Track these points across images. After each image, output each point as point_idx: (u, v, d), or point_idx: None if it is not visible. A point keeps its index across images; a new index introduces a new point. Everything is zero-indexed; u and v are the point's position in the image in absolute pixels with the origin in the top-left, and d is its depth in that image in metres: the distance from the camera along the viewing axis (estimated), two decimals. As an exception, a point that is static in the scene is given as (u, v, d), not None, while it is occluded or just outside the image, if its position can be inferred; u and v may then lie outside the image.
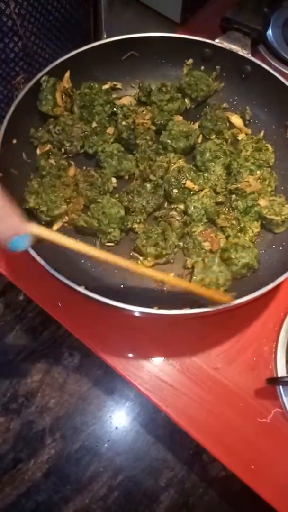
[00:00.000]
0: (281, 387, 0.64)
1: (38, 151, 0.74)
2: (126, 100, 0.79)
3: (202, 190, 0.71)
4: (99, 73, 0.79)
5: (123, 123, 0.74)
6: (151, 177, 0.71)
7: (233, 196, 0.71)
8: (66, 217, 0.69)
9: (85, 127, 0.74)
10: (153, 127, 0.76)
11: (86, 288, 0.55)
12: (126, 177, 0.73)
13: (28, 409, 0.74)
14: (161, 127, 0.77)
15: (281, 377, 0.65)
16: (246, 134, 0.79)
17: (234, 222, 0.68)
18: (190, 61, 0.81)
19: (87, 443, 0.73)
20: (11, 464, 0.71)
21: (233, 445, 0.62)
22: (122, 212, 0.68)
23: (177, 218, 0.69)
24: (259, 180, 0.72)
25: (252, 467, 0.61)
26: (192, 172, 0.72)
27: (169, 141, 0.74)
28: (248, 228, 0.68)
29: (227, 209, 0.70)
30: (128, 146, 0.74)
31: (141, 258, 0.67)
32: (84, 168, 0.73)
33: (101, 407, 0.75)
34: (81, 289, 0.55)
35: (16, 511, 0.69)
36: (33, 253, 0.57)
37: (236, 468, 0.61)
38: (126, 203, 0.69)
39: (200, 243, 0.65)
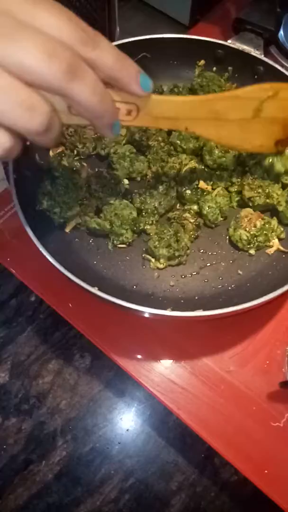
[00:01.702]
0: (294, 390, 0.64)
1: (51, 153, 0.74)
2: None
3: (215, 189, 0.70)
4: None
5: None
6: (164, 178, 0.71)
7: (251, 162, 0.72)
8: (79, 219, 0.69)
9: None
10: (184, 146, 0.75)
11: (100, 289, 0.55)
12: (138, 178, 0.73)
13: (40, 410, 0.74)
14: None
15: (294, 381, 0.64)
16: None
17: (260, 190, 0.68)
18: (202, 62, 0.80)
19: (98, 445, 0.73)
20: (23, 465, 0.71)
21: (246, 449, 0.61)
22: (135, 214, 0.68)
23: (191, 221, 0.69)
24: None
25: (266, 471, 0.60)
26: (204, 172, 0.72)
27: (178, 141, 0.74)
28: (273, 192, 0.68)
29: (250, 179, 0.70)
30: (140, 147, 0.74)
31: (153, 260, 0.67)
32: (97, 169, 0.73)
33: (112, 409, 0.75)
34: (94, 290, 0.55)
35: (27, 513, 0.69)
36: (45, 253, 0.57)
37: (249, 473, 0.60)
38: (138, 205, 0.69)
39: (259, 228, 0.66)
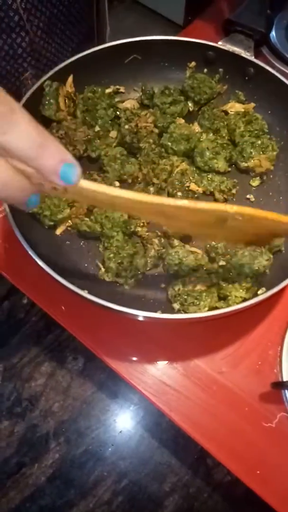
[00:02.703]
0: (286, 391, 0.64)
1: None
2: (129, 104, 0.79)
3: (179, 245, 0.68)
4: (102, 77, 0.79)
5: (126, 126, 0.74)
6: (155, 180, 0.71)
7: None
8: (70, 221, 0.69)
9: (88, 131, 0.74)
10: (156, 130, 0.76)
11: (89, 292, 0.55)
12: (129, 180, 0.73)
13: (32, 413, 0.74)
14: (163, 129, 0.76)
15: (286, 381, 0.64)
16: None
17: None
18: (193, 63, 0.81)
19: (91, 447, 0.73)
20: (15, 468, 0.71)
21: (238, 449, 0.61)
22: (126, 216, 0.68)
23: (155, 247, 0.67)
24: (262, 149, 0.73)
25: (258, 472, 0.60)
26: (196, 174, 0.72)
27: (169, 143, 0.74)
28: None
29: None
30: (131, 149, 0.74)
31: (103, 269, 0.66)
32: (87, 172, 0.73)
33: (105, 411, 0.75)
34: (84, 293, 0.54)
35: (20, 515, 0.69)
36: (35, 256, 0.57)
37: (241, 473, 0.60)
38: None
39: (193, 290, 0.62)
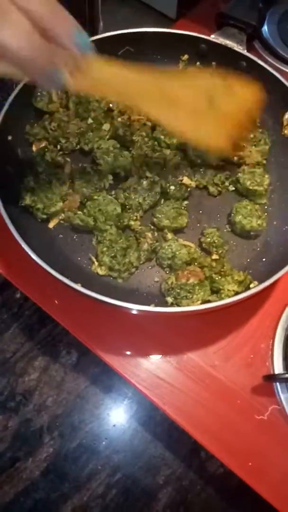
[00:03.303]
0: (278, 384, 0.64)
1: (33, 148, 0.73)
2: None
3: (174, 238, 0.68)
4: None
5: (119, 119, 0.74)
6: (148, 174, 0.71)
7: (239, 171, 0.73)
8: (63, 214, 0.69)
9: (80, 124, 0.74)
10: (149, 123, 0.75)
11: (83, 285, 0.55)
12: (122, 173, 0.72)
13: (26, 408, 0.74)
14: (156, 123, 0.76)
15: (278, 374, 0.65)
16: None
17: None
18: (186, 56, 0.80)
19: (85, 441, 0.73)
20: (9, 463, 0.71)
21: (230, 442, 0.62)
22: (119, 209, 0.67)
23: (149, 241, 0.67)
24: (254, 142, 0.74)
25: (250, 464, 0.61)
26: (189, 168, 0.72)
27: (162, 137, 0.74)
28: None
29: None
30: (124, 142, 0.74)
31: (96, 263, 0.66)
32: (80, 165, 0.73)
33: (99, 405, 0.75)
34: (77, 286, 0.54)
35: (14, 510, 0.69)
36: (28, 249, 0.56)
37: (233, 465, 0.61)
38: (122, 200, 0.69)
39: (186, 284, 0.62)
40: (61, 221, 0.69)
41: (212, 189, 0.73)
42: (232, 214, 0.69)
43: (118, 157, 0.71)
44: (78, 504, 0.70)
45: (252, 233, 0.70)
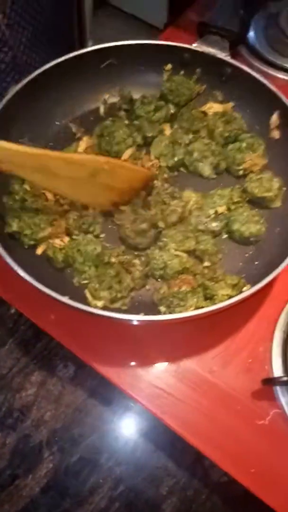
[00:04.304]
0: (278, 387, 0.64)
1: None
2: (128, 153, 0.76)
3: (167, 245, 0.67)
4: (78, 83, 0.79)
5: None
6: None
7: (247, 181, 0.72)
8: (50, 240, 0.67)
9: None
10: (164, 164, 0.75)
11: (71, 298, 0.55)
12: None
13: (24, 423, 0.73)
14: (150, 139, 0.76)
15: (277, 377, 0.64)
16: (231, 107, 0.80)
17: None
18: (169, 66, 0.81)
19: (85, 454, 0.73)
20: (8, 481, 0.70)
21: (232, 449, 0.61)
22: (99, 249, 0.65)
23: (139, 268, 0.65)
24: (249, 149, 0.73)
25: (252, 470, 0.60)
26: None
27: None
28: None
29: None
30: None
31: (90, 297, 0.64)
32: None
33: (98, 417, 0.75)
34: (65, 299, 0.54)
35: (17, 529, 0.68)
36: (13, 264, 0.56)
37: (235, 473, 0.60)
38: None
39: (178, 292, 0.62)
40: (47, 252, 0.67)
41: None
42: (229, 223, 0.69)
43: None
44: (81, 520, 0.69)
45: (251, 239, 0.69)
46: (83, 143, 0.76)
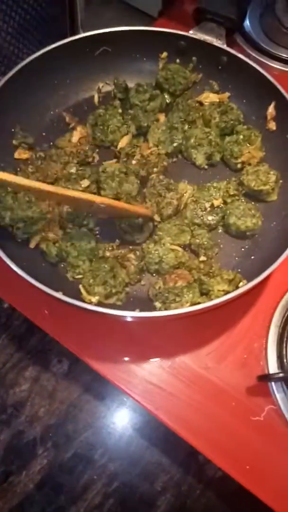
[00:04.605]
0: (273, 383, 0.63)
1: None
2: (125, 141, 0.75)
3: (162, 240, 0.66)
4: (72, 71, 0.77)
5: (133, 161, 0.71)
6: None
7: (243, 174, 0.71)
8: (43, 233, 0.66)
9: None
10: (163, 151, 0.73)
11: (65, 293, 0.54)
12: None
13: (18, 419, 0.73)
14: (145, 129, 0.75)
15: (272, 374, 0.63)
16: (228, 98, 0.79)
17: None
18: (165, 54, 0.79)
19: (80, 450, 0.72)
20: (2, 477, 0.70)
21: (227, 445, 0.61)
22: (93, 243, 0.64)
23: (134, 263, 0.64)
24: (247, 141, 0.72)
25: (247, 467, 0.59)
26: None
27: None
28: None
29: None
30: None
31: (85, 293, 0.62)
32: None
33: (92, 413, 0.74)
34: (58, 295, 0.53)
35: (11, 525, 0.68)
36: (7, 259, 0.55)
37: (230, 469, 0.59)
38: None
39: (174, 287, 0.61)
40: (41, 245, 0.65)
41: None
42: (226, 216, 0.68)
43: (123, 183, 0.67)
44: (75, 516, 0.69)
45: (248, 233, 0.68)
46: (77, 133, 0.74)
